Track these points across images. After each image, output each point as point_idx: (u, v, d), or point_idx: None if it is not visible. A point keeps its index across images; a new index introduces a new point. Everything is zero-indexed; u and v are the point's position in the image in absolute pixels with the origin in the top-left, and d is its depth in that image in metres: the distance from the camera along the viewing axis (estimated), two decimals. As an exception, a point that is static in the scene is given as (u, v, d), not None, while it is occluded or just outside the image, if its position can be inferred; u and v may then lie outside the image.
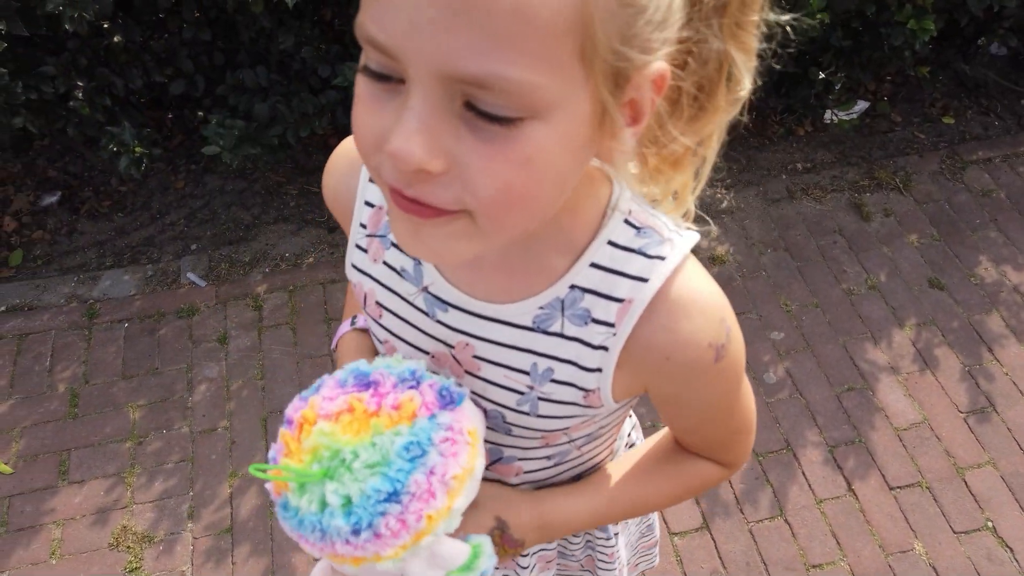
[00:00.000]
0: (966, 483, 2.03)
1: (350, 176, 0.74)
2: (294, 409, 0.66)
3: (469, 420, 0.65)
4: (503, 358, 0.68)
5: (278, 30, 2.33)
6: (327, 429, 0.62)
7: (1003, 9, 2.52)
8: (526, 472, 0.80)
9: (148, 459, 2.04)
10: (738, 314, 2.48)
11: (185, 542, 1.91)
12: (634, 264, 0.63)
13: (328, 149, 3.02)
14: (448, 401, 0.65)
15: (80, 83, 2.19)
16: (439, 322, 0.69)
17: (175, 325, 2.33)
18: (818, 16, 2.22)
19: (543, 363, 0.67)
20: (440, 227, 0.50)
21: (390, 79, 0.46)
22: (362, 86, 0.48)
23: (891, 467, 2.06)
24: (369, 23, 0.44)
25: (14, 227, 2.58)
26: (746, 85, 0.55)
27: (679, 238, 0.64)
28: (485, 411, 0.72)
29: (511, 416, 0.71)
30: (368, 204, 0.73)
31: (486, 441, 0.77)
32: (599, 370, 0.66)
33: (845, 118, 2.70)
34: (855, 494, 2.02)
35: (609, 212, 0.63)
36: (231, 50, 2.51)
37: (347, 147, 0.76)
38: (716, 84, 0.55)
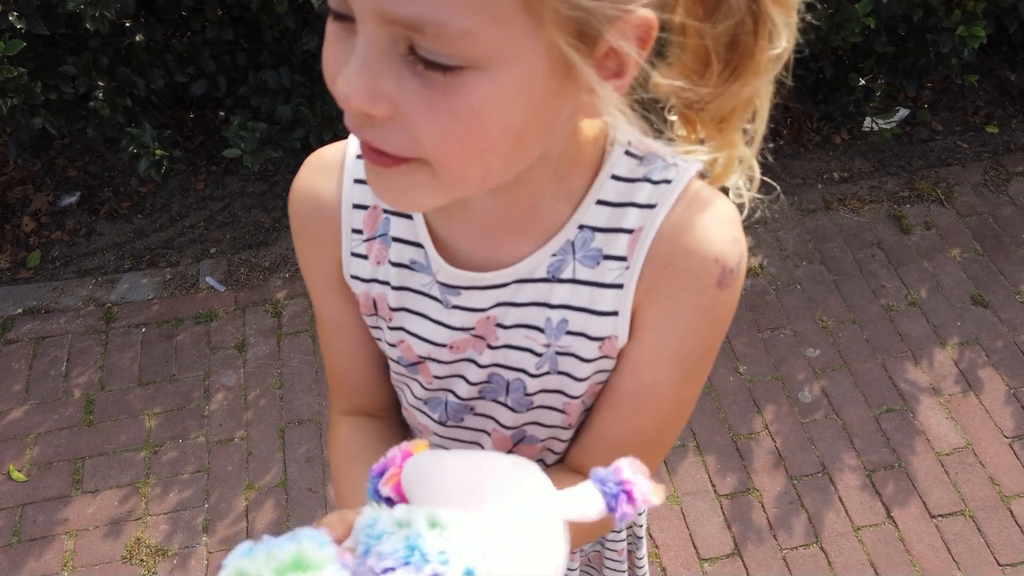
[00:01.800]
0: (1011, 512, 1.94)
1: (330, 182, 0.69)
2: None
3: None
4: (520, 318, 0.66)
5: (302, 30, 2.27)
6: None
7: (1054, 15, 2.41)
8: (549, 450, 0.76)
9: (163, 469, 2.00)
10: (772, 330, 2.42)
11: (200, 556, 1.86)
12: (641, 192, 0.61)
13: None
14: None
15: (100, 83, 2.14)
16: (456, 307, 0.67)
17: (193, 331, 2.29)
18: (863, 20, 2.13)
19: (556, 315, 0.65)
20: (401, 176, 0.49)
21: (348, 19, 0.45)
22: (328, 26, 0.48)
23: (932, 494, 1.97)
24: None
25: (33, 227, 2.55)
26: (782, 44, 0.52)
27: (683, 162, 0.62)
28: (508, 383, 0.69)
29: (531, 384, 0.69)
30: (358, 207, 0.68)
31: (507, 427, 0.72)
32: (615, 313, 0.63)
33: (885, 126, 2.60)
34: (894, 521, 1.93)
35: (608, 147, 0.62)
36: (254, 50, 2.46)
37: (321, 155, 0.70)
38: (751, 44, 0.52)
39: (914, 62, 2.39)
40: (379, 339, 0.74)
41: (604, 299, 0.63)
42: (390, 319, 0.71)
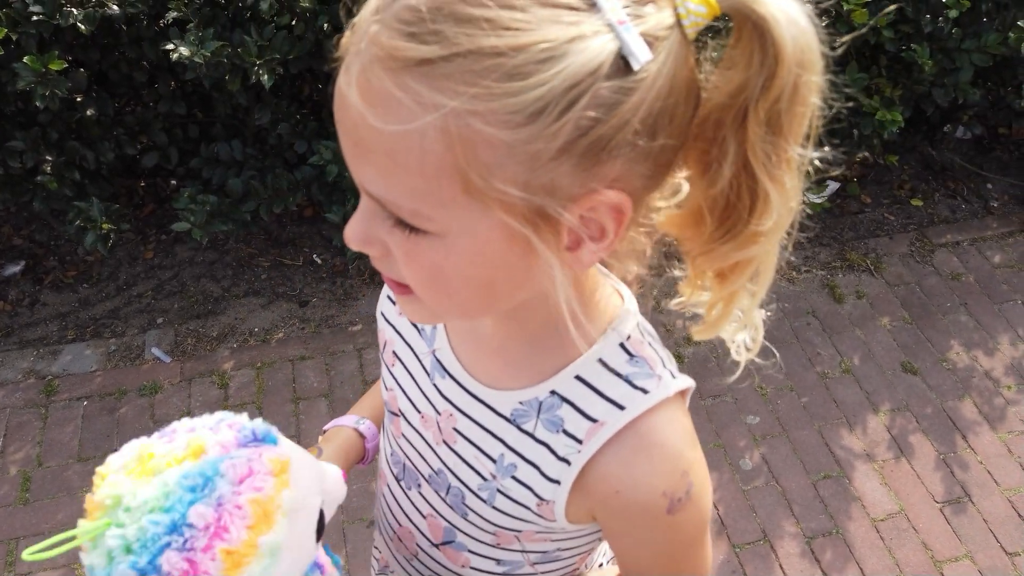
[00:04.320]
0: (944, 577, 2.00)
1: None
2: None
3: (275, 452, 0.62)
4: (478, 439, 0.70)
5: (255, 106, 2.32)
6: (111, 479, 0.59)
7: (966, 99, 2.59)
8: (472, 568, 0.79)
9: (101, 549, 1.95)
10: (713, 397, 2.49)
11: (136, 640, 1.81)
12: (617, 389, 0.63)
13: (303, 221, 3.02)
14: (251, 440, 0.62)
15: (49, 157, 2.15)
16: (435, 386, 0.73)
17: (136, 404, 2.26)
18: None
19: (509, 456, 0.68)
20: (410, 301, 0.58)
21: None
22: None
23: (869, 560, 2.03)
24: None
25: (-27, 297, 2.51)
26: (771, 220, 0.51)
27: (670, 378, 0.64)
28: (449, 486, 0.73)
29: (470, 499, 0.72)
30: None
31: (444, 518, 0.76)
32: (557, 482, 0.65)
33: (817, 200, 2.73)
34: (833, 589, 1.97)
35: (608, 331, 0.64)
36: (207, 123, 2.49)
37: None
38: (745, 214, 0.52)
39: (839, 144, 2.54)
40: (382, 377, 0.83)
41: (553, 466, 0.65)
42: (392, 364, 0.80)
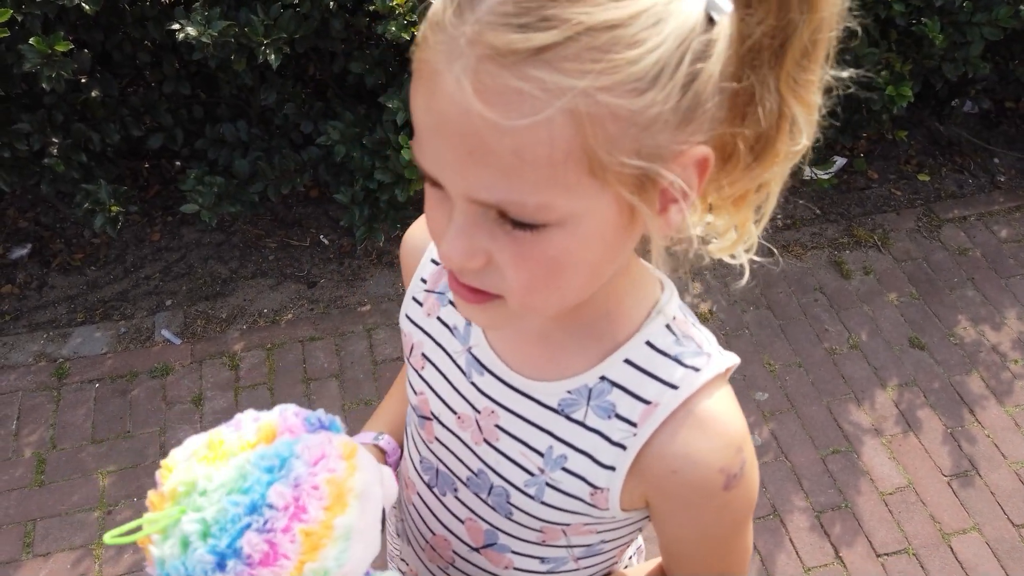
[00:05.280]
0: (952, 549, 2.02)
1: (424, 235, 0.79)
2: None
3: (343, 438, 0.62)
4: (523, 433, 0.69)
5: (260, 86, 2.30)
6: (182, 467, 0.58)
7: (976, 73, 2.58)
8: (516, 569, 0.78)
9: (118, 529, 1.96)
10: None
11: (155, 619, 1.83)
12: (668, 370, 0.64)
13: (309, 202, 3.00)
14: (318, 427, 0.63)
15: (55, 139, 2.14)
16: (473, 384, 0.71)
17: (148, 385, 2.27)
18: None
19: (559, 448, 0.67)
20: (485, 309, 0.57)
21: (441, 186, 0.53)
22: (426, 186, 0.55)
23: (878, 533, 2.05)
24: (416, 151, 0.52)
25: (-19, 281, 2.50)
26: (803, 141, 0.56)
27: (718, 355, 0.65)
28: (492, 486, 0.72)
29: (516, 497, 0.71)
30: (434, 262, 0.77)
31: (485, 521, 0.75)
32: (612, 468, 0.65)
33: (824, 176, 2.73)
34: (843, 561, 2.00)
35: (653, 314, 0.65)
36: (211, 103, 2.48)
37: None
38: (774, 137, 0.55)
39: (848, 118, 2.52)
40: (409, 382, 0.81)
41: (607, 453, 0.65)
42: (421, 367, 0.77)
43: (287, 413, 0.63)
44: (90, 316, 2.44)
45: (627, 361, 0.65)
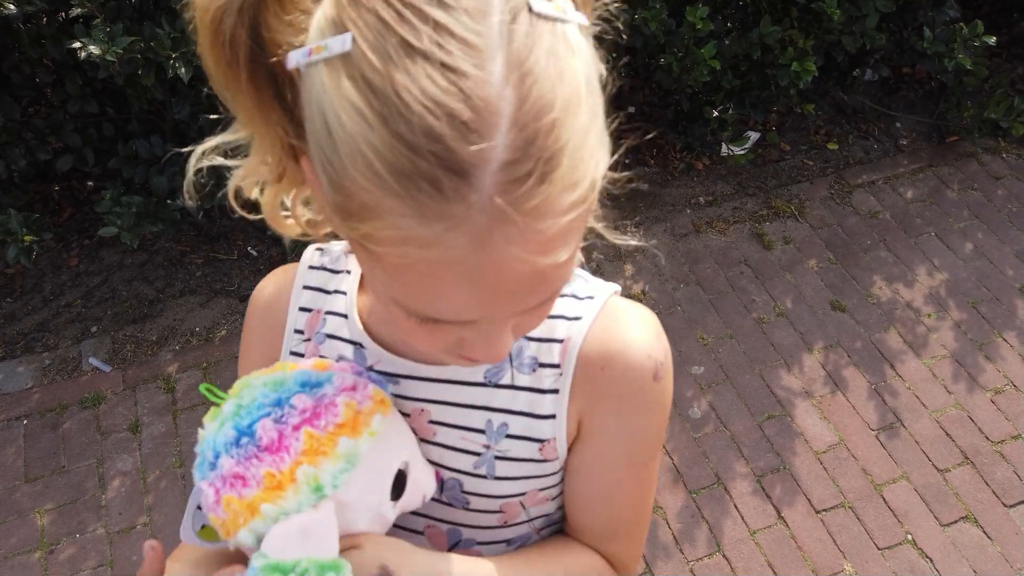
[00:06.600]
0: (884, 499, 2.14)
1: (284, 288, 0.78)
2: None
3: (378, 389, 0.66)
4: (459, 419, 0.70)
5: (172, 100, 2.24)
6: (242, 380, 0.67)
7: (873, 44, 2.70)
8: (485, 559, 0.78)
9: (62, 568, 1.90)
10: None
11: (111, 655, 1.79)
12: (567, 307, 0.70)
13: (232, 214, 2.91)
14: (366, 375, 0.69)
15: (-44, 169, 2.04)
16: (393, 395, 0.72)
17: (80, 417, 2.19)
18: (709, 62, 2.32)
19: (498, 418, 0.69)
20: (469, 361, 0.58)
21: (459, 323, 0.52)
22: (413, 321, 0.52)
23: (815, 491, 2.15)
24: (426, 309, 0.49)
25: None
26: None
27: (603, 284, 0.72)
28: (443, 481, 0.73)
29: (468, 483, 0.72)
30: (303, 310, 0.77)
31: (444, 522, 0.76)
32: (553, 416, 0.69)
33: (739, 152, 2.82)
34: (785, 521, 2.09)
35: None
36: (121, 120, 2.40)
37: (283, 266, 0.79)
38: None
39: (758, 94, 2.61)
40: None
41: (543, 403, 0.69)
42: None
43: (345, 364, 0.70)
44: (11, 350, 2.35)
45: None
